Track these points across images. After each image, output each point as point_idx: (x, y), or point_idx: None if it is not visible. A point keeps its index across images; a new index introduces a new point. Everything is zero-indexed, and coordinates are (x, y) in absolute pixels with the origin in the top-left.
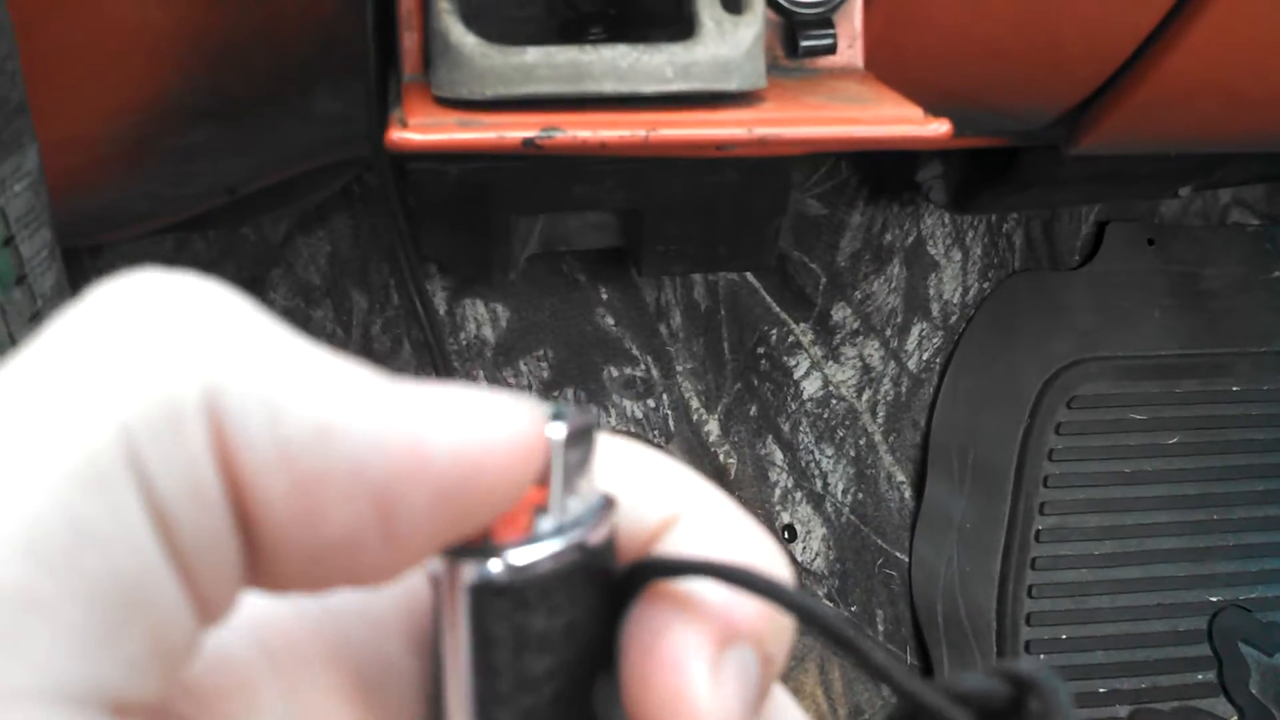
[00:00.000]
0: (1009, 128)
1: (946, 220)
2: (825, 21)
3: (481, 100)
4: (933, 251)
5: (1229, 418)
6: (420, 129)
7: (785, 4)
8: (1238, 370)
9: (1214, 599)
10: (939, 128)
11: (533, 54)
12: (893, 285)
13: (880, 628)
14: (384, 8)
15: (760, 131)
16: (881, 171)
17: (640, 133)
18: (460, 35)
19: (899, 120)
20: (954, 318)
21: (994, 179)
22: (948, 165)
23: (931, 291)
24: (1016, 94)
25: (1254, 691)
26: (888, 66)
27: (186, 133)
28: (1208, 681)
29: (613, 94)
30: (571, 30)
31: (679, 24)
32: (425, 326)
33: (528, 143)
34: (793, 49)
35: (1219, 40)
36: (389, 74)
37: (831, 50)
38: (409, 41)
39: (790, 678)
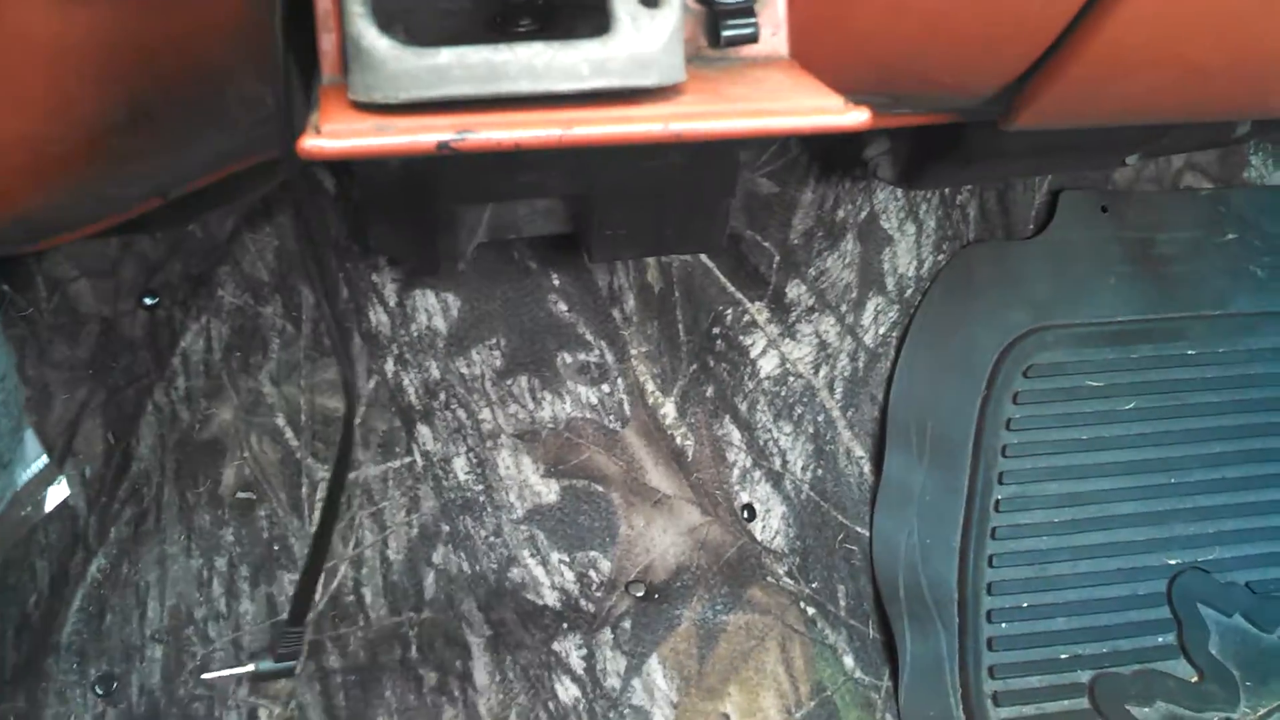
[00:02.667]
0: (947, 105)
1: (899, 194)
2: (747, 10)
3: (397, 104)
4: (886, 226)
5: (1184, 382)
6: (333, 135)
7: None
8: (1193, 334)
9: (1173, 562)
10: (858, 116)
11: (446, 55)
12: (847, 261)
13: (842, 603)
14: (300, 10)
15: (676, 127)
16: (831, 149)
17: (555, 132)
18: (373, 39)
19: (817, 110)
20: (909, 291)
21: (940, 154)
22: (894, 141)
23: (886, 266)
24: (949, 73)
25: (1213, 652)
26: (817, 51)
27: (108, 140)
28: (1168, 644)
29: (529, 93)
30: (500, 23)
31: (604, 14)
32: (333, 333)
33: (442, 146)
34: (716, 38)
35: (1147, 16)
36: (312, 76)
37: (754, 39)
38: (327, 44)
39: (751, 656)
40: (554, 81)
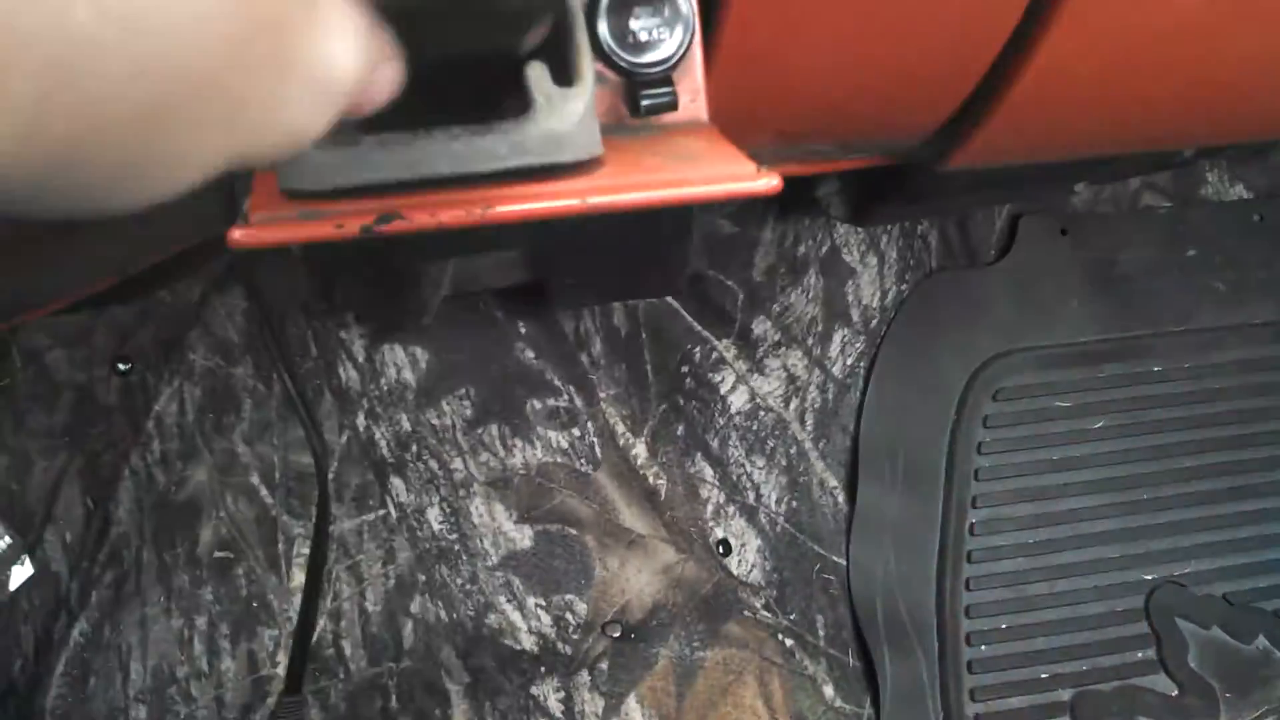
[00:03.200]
0: (884, 149)
1: (859, 228)
2: (665, 80)
3: (324, 191)
4: (848, 259)
5: (1152, 398)
6: (261, 226)
7: (624, 66)
8: (1158, 351)
9: (1149, 577)
10: (769, 182)
11: (368, 143)
12: (811, 295)
13: (821, 632)
14: None
15: (593, 201)
16: (786, 189)
17: (476, 211)
18: None
19: (731, 178)
20: (874, 321)
21: (889, 192)
22: (844, 181)
23: (850, 298)
24: (874, 125)
25: (1193, 665)
26: (740, 113)
27: (45, 234)
28: (1147, 659)
29: (450, 175)
30: (434, 101)
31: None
32: (295, 400)
33: (366, 230)
34: (636, 108)
35: (1067, 56)
36: None
37: (673, 107)
38: None
39: (729, 691)
40: (474, 163)
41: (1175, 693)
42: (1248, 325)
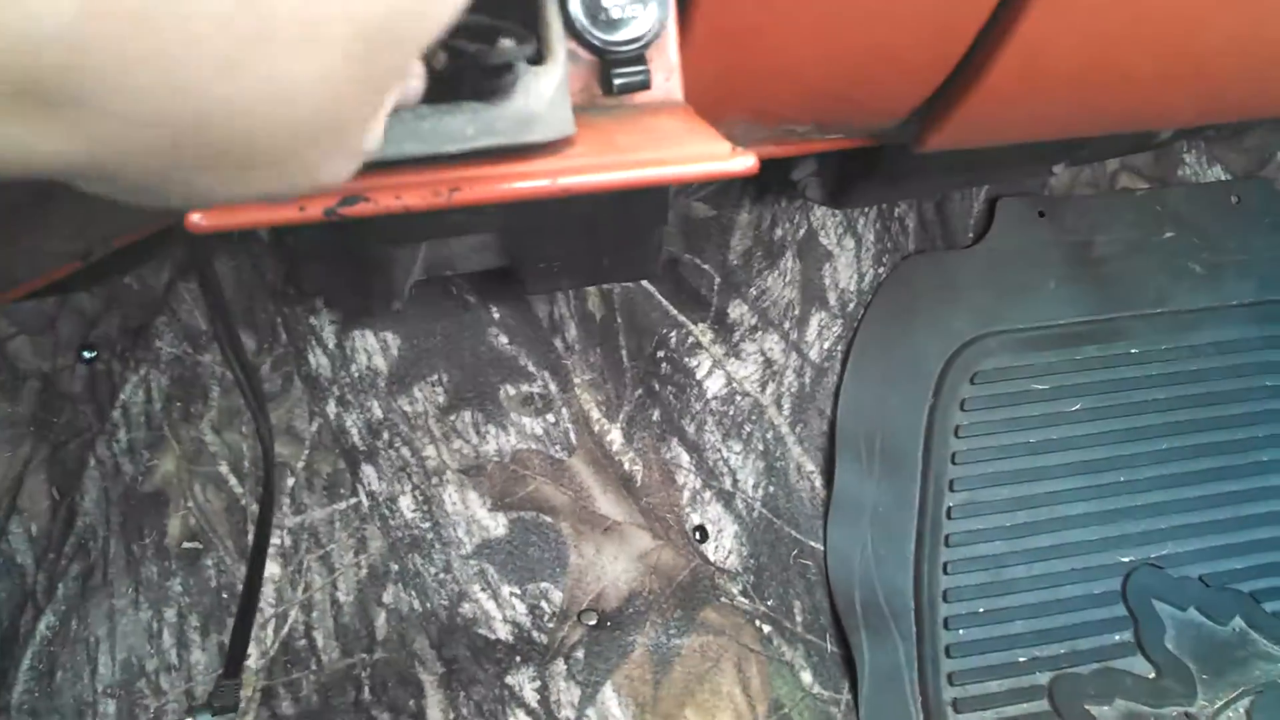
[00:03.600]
0: (863, 130)
1: (836, 210)
2: (638, 58)
3: None
4: (825, 242)
5: (1129, 380)
6: (221, 210)
7: (597, 44)
8: (1135, 333)
9: (1126, 559)
10: (744, 162)
11: None
12: (788, 279)
13: (798, 618)
14: None
15: (564, 181)
16: (763, 171)
17: (442, 193)
18: None
19: (705, 158)
20: (852, 305)
21: (866, 174)
22: (822, 163)
23: (827, 281)
24: (851, 105)
25: (1169, 647)
26: (716, 91)
27: (13, 216)
28: (1125, 641)
29: (416, 155)
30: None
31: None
32: (245, 390)
33: (329, 212)
34: (609, 86)
35: (1044, 38)
36: None
37: (646, 86)
38: None
39: (707, 679)
40: (440, 144)
41: (1152, 674)
42: (1225, 307)
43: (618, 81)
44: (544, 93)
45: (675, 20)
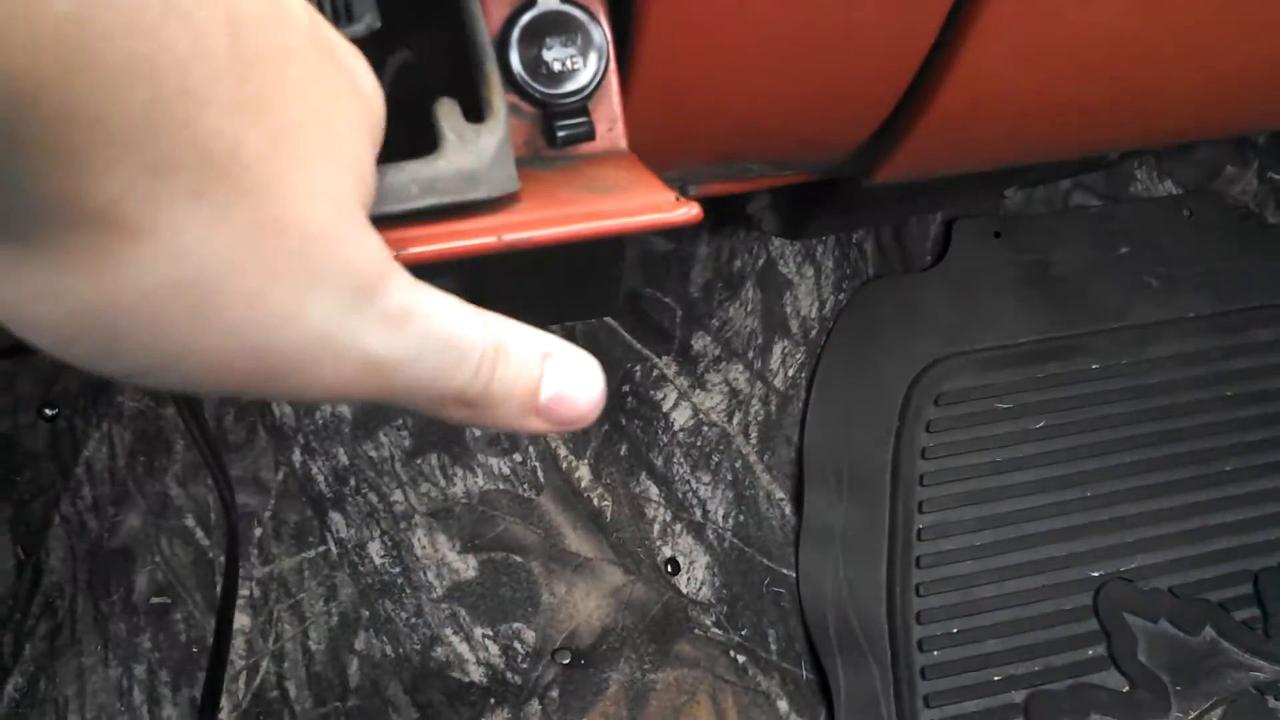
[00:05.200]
0: (812, 166)
1: (794, 240)
2: (581, 110)
3: None
4: (784, 271)
5: (1091, 395)
6: None
7: (538, 97)
8: (1094, 349)
9: (1095, 574)
10: (688, 212)
11: None
12: (749, 309)
13: (773, 646)
14: None
15: (510, 238)
16: (719, 204)
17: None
18: None
19: (649, 209)
20: (814, 332)
21: (821, 204)
22: (775, 196)
23: (789, 309)
24: (798, 145)
25: (1143, 659)
26: (667, 136)
27: None
28: (1098, 656)
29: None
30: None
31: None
32: (201, 447)
33: None
34: (552, 139)
35: (984, 72)
36: None
37: (590, 137)
38: None
39: (683, 712)
40: (384, 204)
41: (1126, 688)
42: (1182, 319)
43: (561, 134)
44: (486, 150)
45: (616, 71)
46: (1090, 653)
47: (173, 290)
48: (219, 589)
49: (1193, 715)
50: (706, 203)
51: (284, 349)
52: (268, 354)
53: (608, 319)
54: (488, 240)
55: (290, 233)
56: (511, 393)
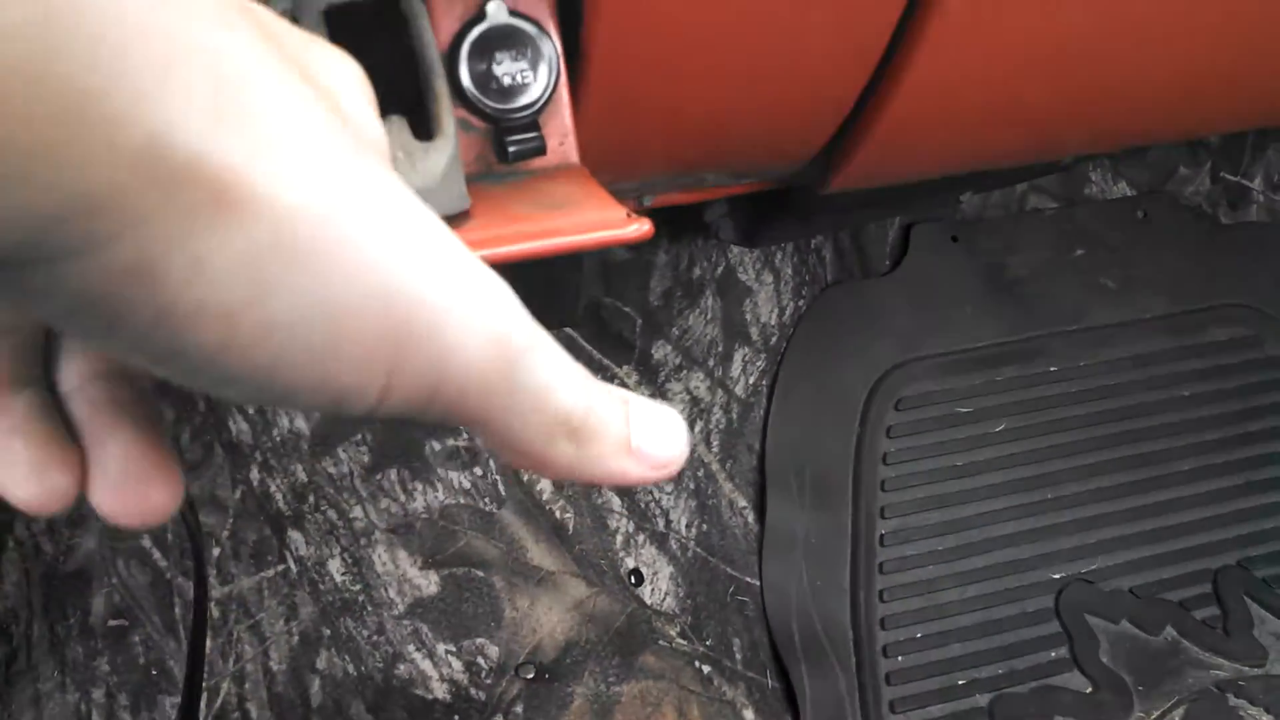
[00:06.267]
0: (768, 175)
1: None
2: (532, 124)
3: None
4: (744, 278)
5: (1050, 398)
6: None
7: (489, 112)
8: (1053, 351)
9: (1057, 576)
10: (639, 228)
11: None
12: (709, 317)
13: (738, 655)
14: None
15: None
16: (676, 213)
17: None
18: None
19: (600, 225)
20: (774, 339)
21: (778, 212)
22: (733, 204)
23: (749, 317)
24: (750, 154)
25: (1105, 660)
26: (620, 148)
27: None
28: (1061, 658)
29: None
30: None
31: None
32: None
33: None
34: (504, 153)
35: (935, 79)
36: None
37: (541, 151)
38: None
39: None
40: None
41: (1089, 689)
42: (1138, 320)
43: (512, 149)
44: (435, 169)
45: (567, 85)
46: (1053, 655)
47: (297, 223)
48: (177, 610)
49: (1155, 715)
50: (664, 211)
51: (419, 295)
52: (401, 302)
53: (567, 329)
54: None
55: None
56: (609, 426)
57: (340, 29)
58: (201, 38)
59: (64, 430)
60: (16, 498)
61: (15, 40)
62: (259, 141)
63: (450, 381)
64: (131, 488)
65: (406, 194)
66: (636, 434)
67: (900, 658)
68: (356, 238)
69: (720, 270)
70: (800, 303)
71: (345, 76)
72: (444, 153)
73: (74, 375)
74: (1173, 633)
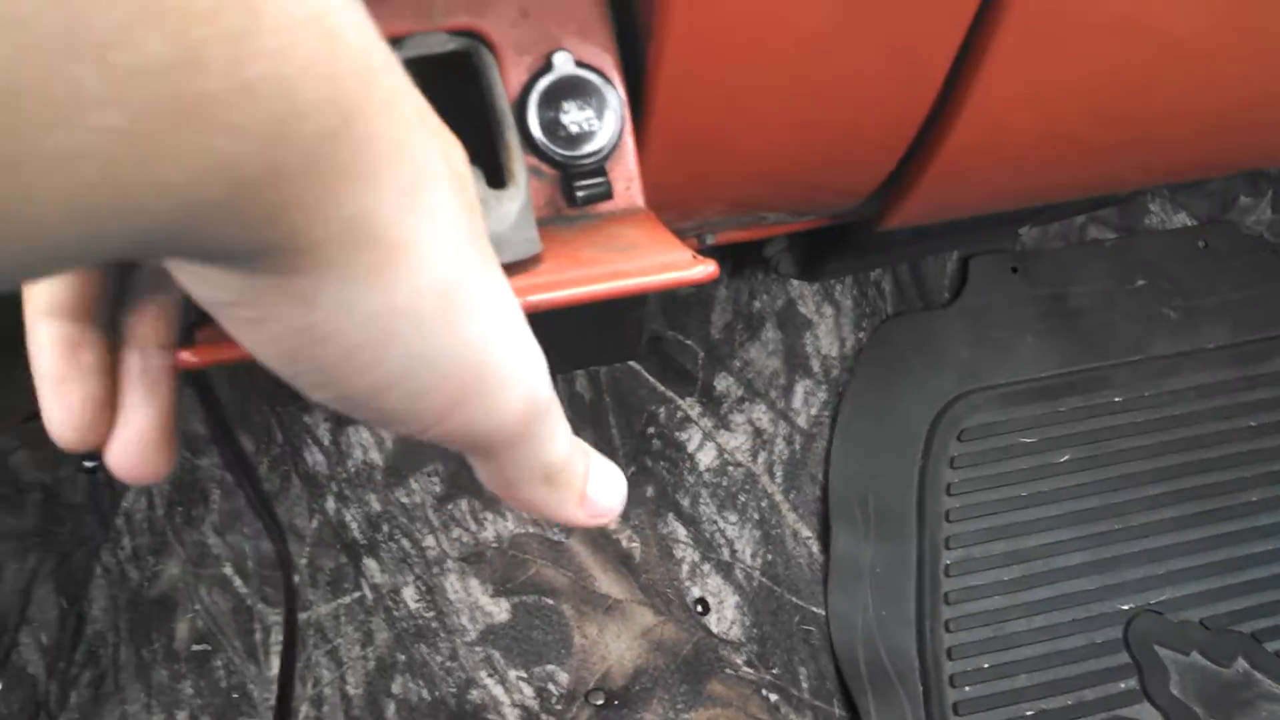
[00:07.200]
0: (827, 211)
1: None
2: (599, 170)
3: None
4: (804, 311)
5: (1115, 428)
6: (206, 347)
7: (558, 159)
8: (1116, 381)
9: (1125, 607)
10: (705, 270)
11: None
12: (770, 349)
13: (805, 684)
14: None
15: (534, 299)
16: (737, 248)
17: None
18: None
19: (667, 267)
20: (835, 371)
21: (836, 247)
22: (792, 239)
23: (810, 349)
24: (813, 193)
25: (1175, 693)
26: (683, 189)
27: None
28: (1130, 689)
29: None
30: None
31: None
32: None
33: None
34: (572, 198)
35: (993, 114)
36: None
37: (608, 195)
38: None
39: None
40: None
41: None
42: (1202, 350)
43: (580, 194)
44: (508, 216)
45: (632, 131)
46: (1122, 686)
47: (432, 293)
48: (257, 635)
49: None
50: (724, 247)
51: (494, 360)
52: (481, 365)
53: (631, 362)
54: None
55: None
56: (576, 477)
57: (414, 81)
58: (403, 138)
59: (113, 385)
60: (56, 425)
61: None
62: (430, 224)
63: (486, 426)
64: (144, 451)
65: (500, 273)
66: (591, 485)
67: (968, 688)
68: (468, 310)
69: (780, 304)
70: (861, 335)
71: (464, 158)
72: (516, 200)
73: (147, 334)
74: (1244, 664)
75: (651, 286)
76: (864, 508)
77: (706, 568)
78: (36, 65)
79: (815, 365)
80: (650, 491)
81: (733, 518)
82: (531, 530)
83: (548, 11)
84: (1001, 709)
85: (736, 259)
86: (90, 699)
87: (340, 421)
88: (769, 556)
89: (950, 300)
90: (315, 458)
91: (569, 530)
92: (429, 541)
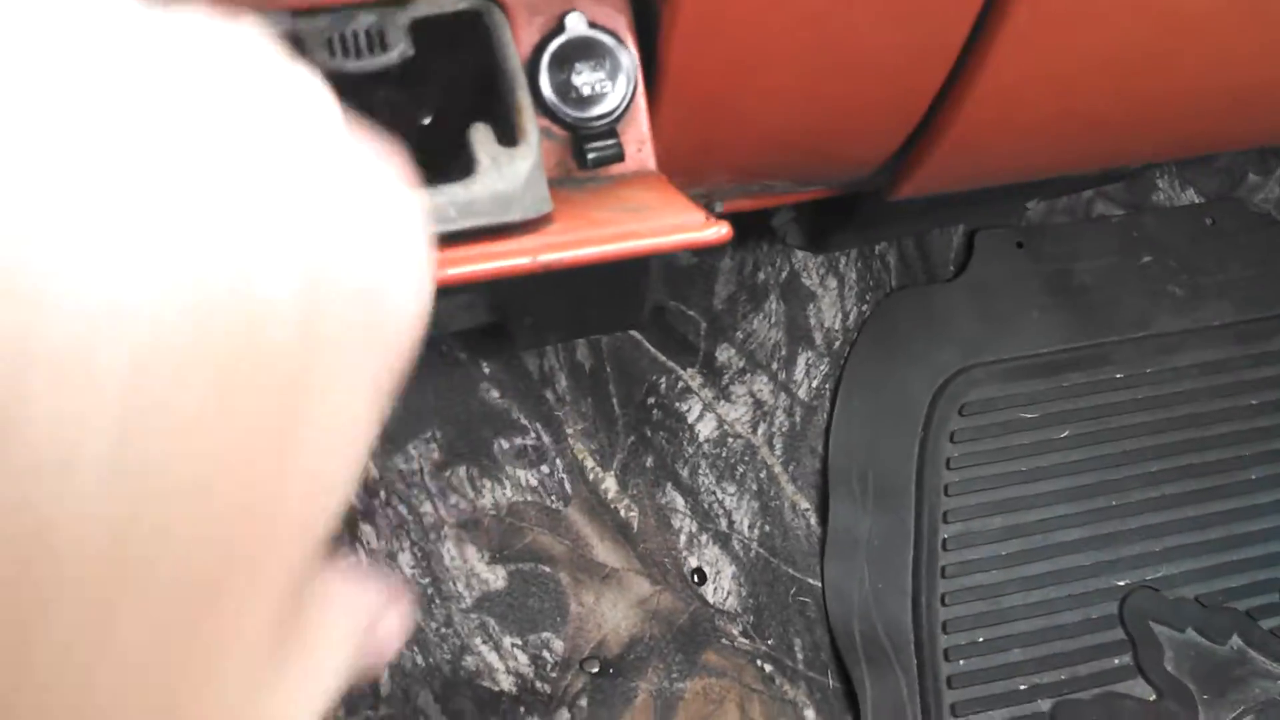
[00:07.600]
0: (837, 181)
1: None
2: (610, 132)
3: None
4: (808, 282)
5: (1116, 405)
6: None
7: (569, 121)
8: (1118, 358)
9: (1121, 583)
10: (718, 231)
11: None
12: (773, 320)
13: (800, 656)
14: None
15: (545, 259)
16: (742, 218)
17: None
18: None
19: (680, 229)
20: (838, 343)
21: (843, 218)
22: (799, 209)
23: (812, 321)
24: (823, 162)
25: (1169, 669)
26: (693, 155)
27: None
28: (1124, 665)
29: None
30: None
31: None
32: None
33: None
34: (583, 160)
35: (1006, 86)
36: None
37: (620, 158)
38: None
39: (711, 719)
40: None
41: (1153, 697)
42: (1206, 328)
43: (591, 155)
44: (519, 174)
45: (644, 94)
46: (1116, 662)
47: None
48: None
49: None
50: (730, 217)
51: None
52: None
53: (633, 332)
54: (523, 261)
55: None
56: None
57: (425, 41)
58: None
59: None
60: None
61: None
62: None
63: None
64: None
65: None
66: None
67: (962, 661)
68: None
69: (784, 275)
70: (864, 307)
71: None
72: (527, 159)
73: None
74: (1239, 642)
75: (665, 247)
76: (863, 480)
77: (704, 538)
78: None
79: (818, 337)
80: (649, 461)
81: (731, 489)
82: (529, 499)
83: None
84: (996, 683)
85: (742, 229)
86: None
87: None
88: (767, 528)
89: (955, 274)
90: None
91: (566, 498)
92: (426, 508)
